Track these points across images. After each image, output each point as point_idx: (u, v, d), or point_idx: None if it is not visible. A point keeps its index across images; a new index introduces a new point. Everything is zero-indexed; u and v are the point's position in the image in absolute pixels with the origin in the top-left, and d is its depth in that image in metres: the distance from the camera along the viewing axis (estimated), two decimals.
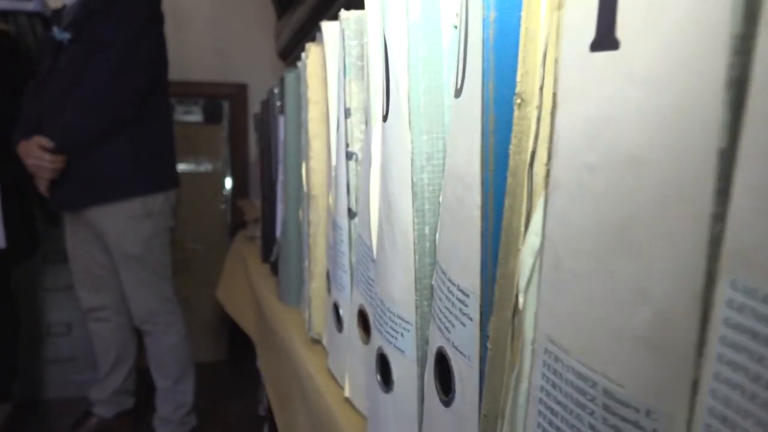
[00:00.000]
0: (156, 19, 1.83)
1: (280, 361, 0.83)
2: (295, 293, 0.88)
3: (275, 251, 0.98)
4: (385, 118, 0.39)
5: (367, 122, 0.46)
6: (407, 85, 0.35)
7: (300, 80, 0.76)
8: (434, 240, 0.36)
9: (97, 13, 1.73)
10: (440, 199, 0.36)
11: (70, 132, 1.72)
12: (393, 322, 0.40)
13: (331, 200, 0.59)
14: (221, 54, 3.12)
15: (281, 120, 0.92)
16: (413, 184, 0.36)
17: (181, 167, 2.73)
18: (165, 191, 1.91)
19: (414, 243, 0.37)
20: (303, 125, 0.71)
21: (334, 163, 0.58)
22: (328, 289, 0.63)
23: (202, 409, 2.12)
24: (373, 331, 0.45)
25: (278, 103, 0.96)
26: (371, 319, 0.46)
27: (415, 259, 0.37)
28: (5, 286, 2.17)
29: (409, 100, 0.35)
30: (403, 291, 0.38)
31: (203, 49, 3.05)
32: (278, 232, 0.97)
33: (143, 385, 2.13)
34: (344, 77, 0.49)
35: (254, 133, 3.15)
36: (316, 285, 0.68)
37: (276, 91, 0.99)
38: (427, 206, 0.36)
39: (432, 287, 0.36)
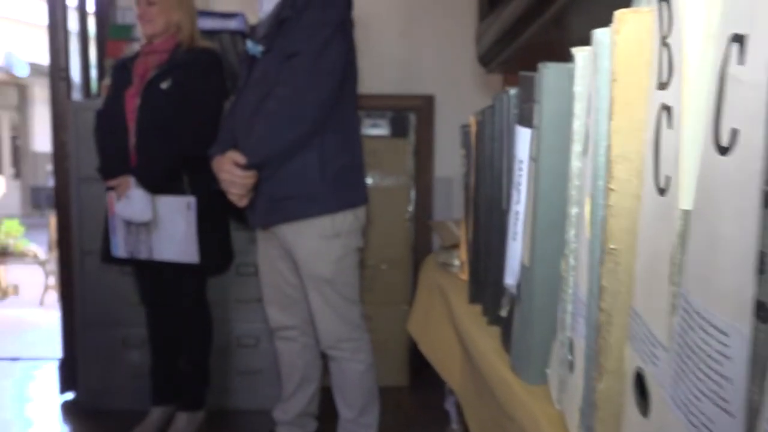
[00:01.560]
0: (346, 26, 1.73)
1: None
2: (538, 370, 0.65)
3: (505, 303, 0.76)
4: None
5: None
6: None
7: (574, 77, 0.53)
8: None
9: (288, 24, 1.67)
10: None
11: (260, 146, 1.67)
12: None
13: (667, 268, 0.35)
14: (408, 65, 3.01)
15: (521, 132, 0.70)
16: None
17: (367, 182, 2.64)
18: (354, 209, 1.79)
19: None
20: (592, 140, 0.47)
21: (684, 202, 0.33)
22: (643, 408, 0.39)
23: None
24: None
25: (515, 111, 0.74)
26: None
27: None
28: (201, 297, 2.21)
29: None
30: None
31: (389, 60, 2.97)
32: (509, 278, 0.74)
33: (327, 409, 2.03)
34: None
35: (441, 146, 2.99)
36: (607, 387, 0.44)
37: (512, 92, 0.77)
38: None
39: None
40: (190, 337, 2.21)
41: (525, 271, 0.66)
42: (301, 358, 1.95)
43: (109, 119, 2.07)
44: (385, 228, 2.70)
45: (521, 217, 0.70)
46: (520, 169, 0.71)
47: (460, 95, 2.98)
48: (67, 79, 2.60)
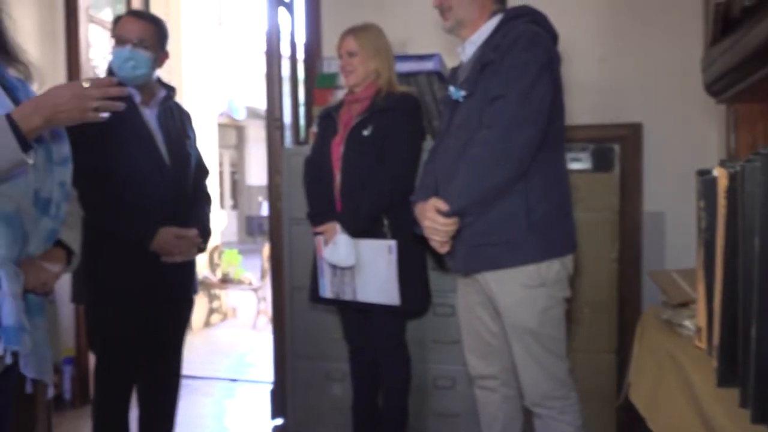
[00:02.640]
0: (552, 64, 1.64)
1: None
2: None
3: None
4: None
5: None
6: None
7: None
8: None
9: (492, 66, 1.62)
10: None
11: (463, 194, 1.63)
12: None
13: None
14: (610, 92, 2.80)
15: None
16: None
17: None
18: (561, 257, 1.67)
19: None
20: None
21: None
22: None
23: None
24: None
25: None
26: None
27: None
28: (401, 338, 2.23)
29: None
30: None
31: (589, 87, 2.78)
32: None
33: None
34: None
35: (650, 178, 2.72)
36: None
37: None
38: None
39: None
40: (390, 377, 2.24)
41: None
42: (501, 410, 1.86)
43: (316, 167, 2.20)
44: (588, 269, 2.51)
45: None
46: None
47: (672, 123, 2.70)
48: (281, 128, 2.83)
